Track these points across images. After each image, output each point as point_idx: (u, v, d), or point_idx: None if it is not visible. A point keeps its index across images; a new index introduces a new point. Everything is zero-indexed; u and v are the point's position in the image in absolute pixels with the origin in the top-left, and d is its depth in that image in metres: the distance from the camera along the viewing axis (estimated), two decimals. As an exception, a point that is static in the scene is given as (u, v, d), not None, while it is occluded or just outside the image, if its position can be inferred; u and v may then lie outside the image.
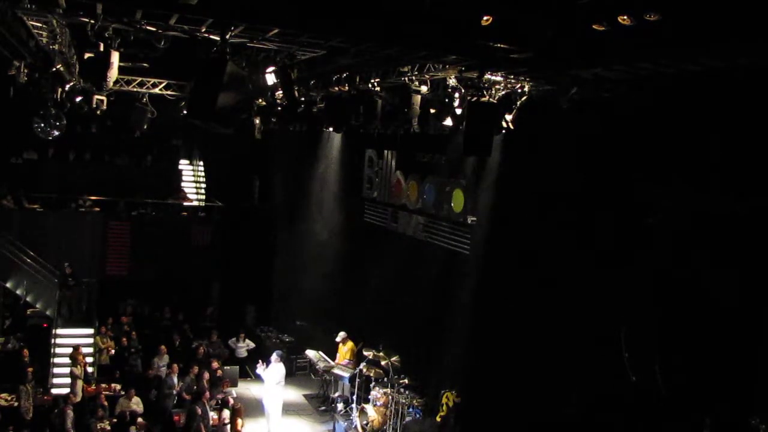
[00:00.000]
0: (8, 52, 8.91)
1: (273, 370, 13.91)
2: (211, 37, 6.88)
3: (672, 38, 5.74)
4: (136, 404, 13.43)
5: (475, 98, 8.20)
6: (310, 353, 16.28)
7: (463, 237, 13.44)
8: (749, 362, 7.91)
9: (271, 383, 13.86)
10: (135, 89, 13.13)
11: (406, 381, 13.73)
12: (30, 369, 14.24)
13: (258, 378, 14.81)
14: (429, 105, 9.66)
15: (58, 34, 8.23)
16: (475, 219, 13.08)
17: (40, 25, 7.76)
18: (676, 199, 8.56)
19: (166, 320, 18.59)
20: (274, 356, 14.16)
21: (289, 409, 15.11)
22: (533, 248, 10.99)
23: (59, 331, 15.73)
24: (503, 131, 9.60)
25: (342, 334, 15.63)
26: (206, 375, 14.45)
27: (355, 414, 14.00)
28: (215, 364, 15.09)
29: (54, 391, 14.38)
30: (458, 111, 9.24)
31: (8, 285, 16.02)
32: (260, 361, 14.31)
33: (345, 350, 15.51)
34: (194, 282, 20.52)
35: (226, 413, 13.18)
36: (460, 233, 13.55)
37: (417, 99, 9.26)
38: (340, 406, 14.89)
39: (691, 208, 8.40)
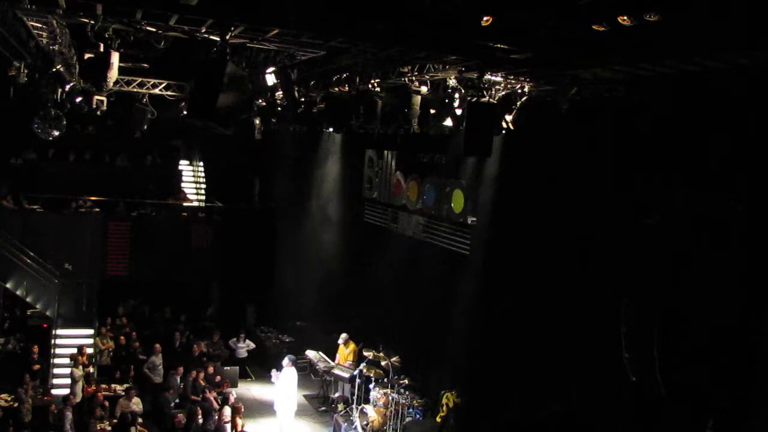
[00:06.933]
0: (8, 53, 8.89)
1: (286, 376, 13.89)
2: (211, 37, 6.87)
3: (672, 38, 5.74)
4: (136, 404, 13.43)
5: (475, 99, 8.20)
6: (310, 353, 16.27)
7: (463, 237, 13.44)
8: (749, 362, 7.91)
9: (286, 389, 13.82)
10: (135, 90, 13.10)
11: (406, 381, 13.73)
12: (36, 366, 14.26)
13: (264, 380, 14.73)
14: (429, 105, 9.66)
15: (58, 35, 8.22)
16: (475, 219, 13.09)
17: (40, 25, 7.75)
18: (676, 199, 8.57)
19: (166, 320, 18.59)
20: (285, 360, 14.13)
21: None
22: (533, 248, 10.99)
23: (59, 331, 15.73)
24: (503, 131, 9.61)
25: (344, 336, 15.62)
26: (202, 374, 14.55)
27: (355, 414, 14.00)
28: (210, 369, 15.09)
29: (54, 391, 14.38)
30: (458, 111, 9.24)
31: (8, 285, 16.01)
32: (274, 370, 14.26)
33: (347, 352, 15.50)
34: (194, 282, 20.53)
35: (227, 410, 13.18)
36: (460, 233, 13.55)
37: (417, 99, 9.25)
38: (340, 406, 14.89)
39: (691, 208, 8.41)
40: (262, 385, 16.19)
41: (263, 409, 15.01)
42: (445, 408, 12.81)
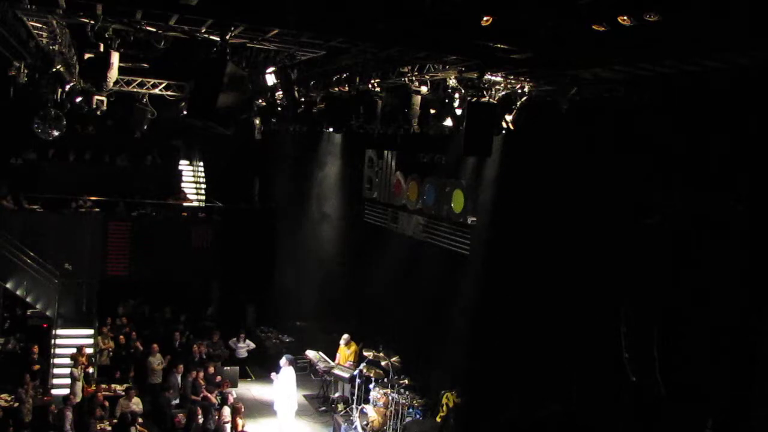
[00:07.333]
0: (8, 53, 8.89)
1: (285, 376, 13.89)
2: (211, 37, 6.88)
3: (672, 38, 5.74)
4: (136, 404, 13.43)
5: (475, 99, 8.20)
6: (310, 353, 16.28)
7: (463, 237, 13.44)
8: (749, 362, 7.91)
9: (285, 389, 13.82)
10: (135, 90, 13.10)
11: (406, 381, 13.73)
12: (36, 366, 14.23)
13: (264, 380, 14.71)
14: (429, 105, 9.66)
15: (58, 35, 8.21)
16: (475, 219, 13.08)
17: (40, 25, 7.75)
18: (676, 199, 8.57)
19: (166, 320, 18.59)
20: (283, 360, 14.13)
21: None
22: (533, 248, 10.99)
23: (59, 331, 15.73)
24: (503, 131, 9.61)
25: (346, 337, 15.64)
26: (202, 374, 14.54)
27: (355, 414, 14.00)
28: (210, 369, 15.09)
29: (54, 391, 14.38)
30: (458, 111, 9.24)
31: (8, 285, 16.01)
32: (274, 373, 14.26)
33: (348, 353, 15.52)
34: (194, 282, 20.53)
35: (227, 410, 13.19)
36: (460, 234, 13.54)
37: (417, 99, 9.25)
38: (340, 406, 14.89)
39: (691, 208, 8.41)
40: (262, 385, 16.19)
41: (263, 409, 15.02)
42: (445, 408, 12.80)
